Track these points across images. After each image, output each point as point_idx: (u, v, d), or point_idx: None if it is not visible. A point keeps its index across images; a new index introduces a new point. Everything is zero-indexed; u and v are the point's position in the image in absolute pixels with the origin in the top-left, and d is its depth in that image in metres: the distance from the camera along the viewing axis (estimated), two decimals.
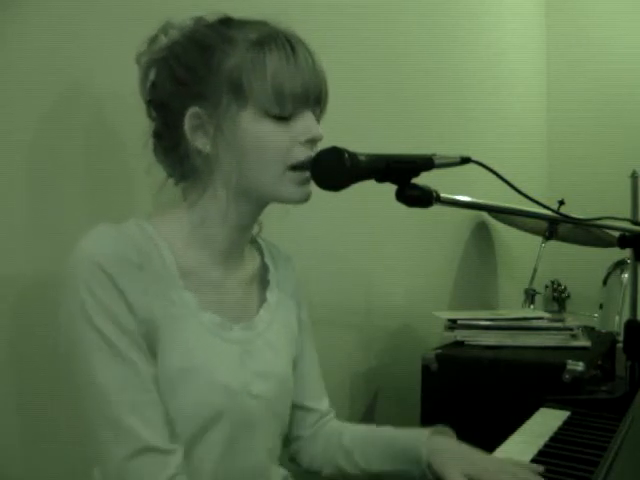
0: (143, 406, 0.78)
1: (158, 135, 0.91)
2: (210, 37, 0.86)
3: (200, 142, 0.86)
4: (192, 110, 0.85)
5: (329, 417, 1.08)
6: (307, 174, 0.86)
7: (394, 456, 0.99)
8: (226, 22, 0.88)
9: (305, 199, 0.89)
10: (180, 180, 0.92)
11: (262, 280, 1.00)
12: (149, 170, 0.92)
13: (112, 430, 0.77)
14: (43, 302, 0.91)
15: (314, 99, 0.88)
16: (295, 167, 0.86)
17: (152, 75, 0.90)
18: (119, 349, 0.78)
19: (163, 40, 0.89)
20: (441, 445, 0.96)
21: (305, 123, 0.86)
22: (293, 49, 0.85)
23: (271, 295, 0.99)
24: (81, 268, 0.79)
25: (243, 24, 0.87)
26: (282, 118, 0.85)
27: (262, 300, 0.98)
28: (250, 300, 0.97)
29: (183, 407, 0.81)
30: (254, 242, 1.03)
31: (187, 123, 0.85)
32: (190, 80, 0.85)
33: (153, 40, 0.90)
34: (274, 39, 0.84)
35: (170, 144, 0.89)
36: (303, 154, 0.86)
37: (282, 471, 0.99)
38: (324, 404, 1.08)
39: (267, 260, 1.02)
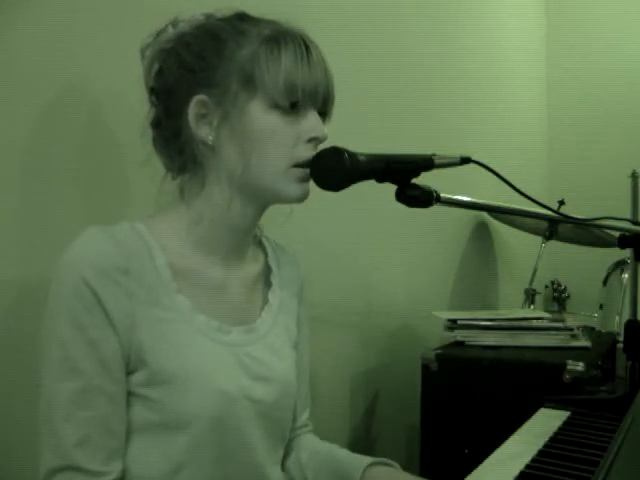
0: (84, 422, 0.76)
1: (157, 123, 0.90)
2: (223, 28, 0.86)
3: (203, 131, 0.85)
4: (198, 98, 0.84)
5: (305, 429, 1.07)
6: (308, 171, 0.86)
7: (335, 475, 0.98)
8: (240, 16, 0.89)
9: (304, 197, 0.89)
10: (178, 173, 0.91)
11: (266, 282, 1.00)
12: (147, 161, 0.91)
13: (50, 438, 0.77)
14: (38, 304, 0.90)
15: (322, 100, 0.88)
16: (298, 165, 0.86)
17: (158, 64, 0.89)
18: (79, 366, 0.77)
19: (171, 32, 0.89)
20: (377, 474, 0.95)
21: (311, 122, 0.86)
22: (307, 48, 0.85)
23: (273, 297, 0.98)
24: (66, 281, 0.78)
25: (257, 20, 0.88)
26: (290, 113, 0.85)
27: (265, 302, 0.97)
28: (253, 302, 0.96)
29: (179, 412, 0.80)
30: (259, 243, 1.02)
31: (191, 111, 0.85)
32: (199, 67, 0.85)
33: (161, 32, 0.90)
34: (289, 36, 0.85)
35: (170, 133, 0.88)
36: (307, 152, 0.86)
37: (282, 477, 0.98)
38: (304, 416, 1.06)
39: (270, 261, 1.01)
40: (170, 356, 0.81)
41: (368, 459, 0.97)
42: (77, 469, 0.76)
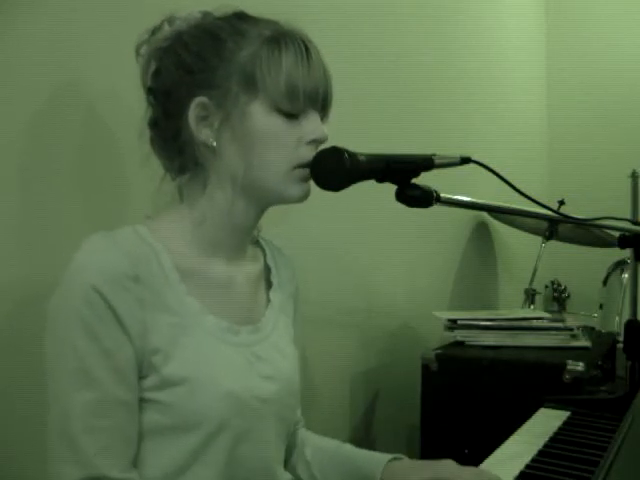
0: (103, 432, 0.76)
1: (155, 124, 0.89)
2: (223, 28, 0.85)
3: (204, 133, 0.85)
4: (198, 100, 0.84)
5: (298, 425, 1.07)
6: (309, 171, 0.86)
7: (349, 473, 0.99)
8: (239, 16, 0.88)
9: (305, 197, 0.89)
10: (178, 174, 0.91)
11: (266, 281, 1.00)
12: (145, 162, 0.91)
13: (69, 450, 0.75)
14: (38, 305, 0.89)
15: (322, 102, 0.88)
16: (300, 166, 0.86)
17: (155, 63, 0.88)
18: (95, 376, 0.76)
19: (167, 30, 0.88)
20: (396, 465, 0.97)
21: (312, 123, 0.86)
22: (307, 50, 0.85)
23: (274, 296, 0.98)
24: (75, 291, 0.77)
25: (256, 20, 0.87)
26: (291, 115, 0.85)
27: (267, 301, 0.97)
28: (257, 301, 0.96)
29: (189, 414, 0.80)
30: (257, 243, 1.02)
31: (192, 113, 0.84)
32: (198, 68, 0.84)
33: (156, 30, 0.89)
34: (289, 37, 0.84)
35: (169, 134, 0.88)
36: (308, 154, 0.86)
37: (287, 475, 0.98)
38: (297, 413, 1.06)
39: (269, 261, 1.01)
40: (181, 360, 0.81)
41: (387, 456, 0.98)
42: (102, 478, 0.75)
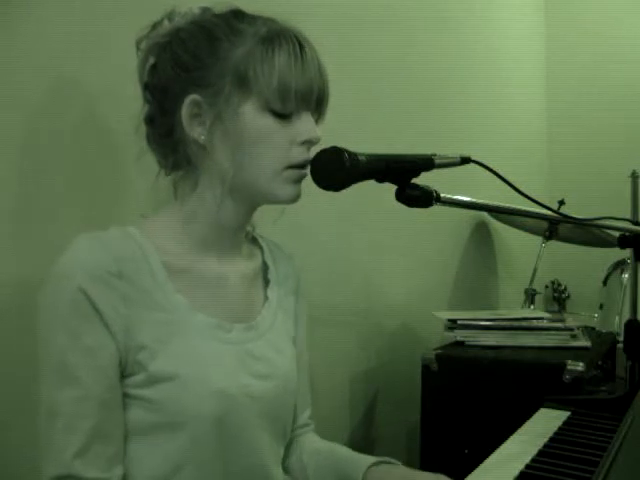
0: (83, 431, 0.76)
1: (151, 120, 0.90)
2: (219, 27, 0.86)
3: (196, 131, 0.85)
4: (191, 97, 0.84)
5: (307, 429, 1.07)
6: (302, 172, 0.86)
7: (339, 476, 0.97)
8: (236, 14, 0.88)
9: (296, 199, 0.89)
10: (172, 169, 0.91)
11: (264, 279, 1.00)
12: (143, 160, 0.91)
13: (48, 447, 0.76)
14: (36, 308, 0.89)
15: (316, 101, 0.87)
16: (291, 166, 0.86)
17: (152, 59, 0.89)
18: (76, 375, 0.76)
19: (167, 26, 0.89)
20: (380, 472, 0.94)
21: (305, 124, 0.86)
22: (302, 48, 0.85)
23: (272, 294, 0.98)
24: (59, 290, 0.77)
25: (253, 18, 0.87)
26: (283, 115, 0.85)
27: (264, 299, 0.97)
28: (253, 299, 0.96)
29: (177, 412, 0.80)
30: (254, 241, 1.02)
31: (185, 110, 0.85)
32: (193, 66, 0.85)
33: (156, 25, 0.90)
34: (284, 36, 0.84)
35: (163, 130, 0.88)
36: (301, 155, 0.86)
37: (286, 476, 0.98)
38: (306, 415, 1.06)
39: (267, 259, 1.01)
40: (168, 357, 0.81)
41: (370, 459, 0.96)
42: (77, 478, 0.76)
